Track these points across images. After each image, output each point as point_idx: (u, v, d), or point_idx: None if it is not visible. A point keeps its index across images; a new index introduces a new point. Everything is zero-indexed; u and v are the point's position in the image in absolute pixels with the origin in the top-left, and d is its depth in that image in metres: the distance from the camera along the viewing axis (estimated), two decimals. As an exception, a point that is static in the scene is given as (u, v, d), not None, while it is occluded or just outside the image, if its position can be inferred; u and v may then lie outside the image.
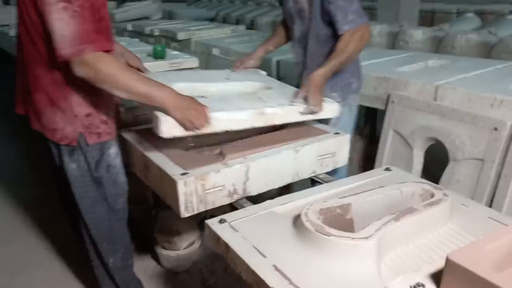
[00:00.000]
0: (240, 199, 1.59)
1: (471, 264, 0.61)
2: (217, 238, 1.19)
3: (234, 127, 1.57)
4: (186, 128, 1.45)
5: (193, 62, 2.87)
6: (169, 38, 4.57)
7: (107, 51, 1.34)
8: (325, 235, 1.02)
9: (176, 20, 6.02)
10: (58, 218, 2.71)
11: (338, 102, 1.88)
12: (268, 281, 0.97)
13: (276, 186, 1.68)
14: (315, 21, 1.88)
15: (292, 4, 1.96)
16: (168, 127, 1.44)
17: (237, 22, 6.62)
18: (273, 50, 2.23)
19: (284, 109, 1.68)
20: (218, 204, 1.54)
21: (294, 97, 1.73)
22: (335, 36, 1.83)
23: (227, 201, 1.56)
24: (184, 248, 2.18)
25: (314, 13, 1.86)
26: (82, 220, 1.65)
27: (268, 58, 3.30)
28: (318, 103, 1.68)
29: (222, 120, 1.53)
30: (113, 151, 1.60)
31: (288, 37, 2.17)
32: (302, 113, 1.70)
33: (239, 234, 1.17)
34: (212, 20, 7.16)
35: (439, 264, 0.76)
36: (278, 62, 3.24)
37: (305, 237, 1.07)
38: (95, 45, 1.30)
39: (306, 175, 1.75)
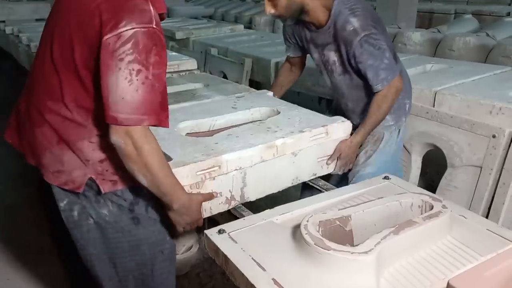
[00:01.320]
0: (238, 206, 1.59)
1: (473, 290, 0.62)
2: (216, 249, 1.19)
3: (244, 165, 1.53)
4: (177, 225, 1.38)
5: (192, 64, 2.86)
6: (167, 37, 4.55)
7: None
8: (324, 249, 1.02)
9: (174, 18, 6.00)
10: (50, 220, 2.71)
11: (391, 125, 1.91)
12: (268, 296, 0.97)
13: (275, 191, 1.68)
14: (348, 75, 1.86)
15: (318, 56, 1.91)
16: None
17: (236, 20, 6.61)
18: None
19: (294, 137, 1.64)
20: (216, 211, 1.54)
21: (330, 159, 1.77)
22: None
23: (224, 208, 1.56)
24: (182, 252, 2.18)
25: (348, 66, 1.82)
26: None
27: (266, 59, 3.30)
28: (346, 169, 1.82)
29: (232, 160, 1.50)
30: (142, 199, 1.35)
31: (291, 84, 2.23)
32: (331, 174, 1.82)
33: (238, 246, 1.16)
34: (210, 17, 7.14)
35: (439, 285, 0.76)
36: (276, 64, 3.24)
37: (305, 250, 1.07)
38: (156, 118, 1.15)
39: (306, 178, 1.75)
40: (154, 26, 1.13)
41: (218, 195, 1.51)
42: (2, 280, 2.24)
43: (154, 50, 1.12)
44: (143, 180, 1.20)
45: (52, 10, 1.30)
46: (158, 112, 1.15)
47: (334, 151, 1.75)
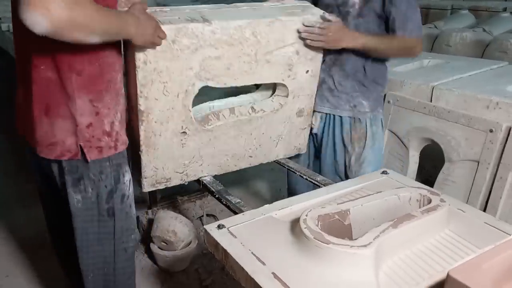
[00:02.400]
0: (237, 202, 1.60)
1: (472, 281, 0.62)
2: (215, 244, 1.19)
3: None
4: (148, 45, 1.38)
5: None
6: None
7: None
8: (323, 243, 1.03)
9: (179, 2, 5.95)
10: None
11: (366, 112, 1.91)
12: (268, 290, 0.98)
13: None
14: (366, 18, 1.78)
15: None
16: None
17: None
18: None
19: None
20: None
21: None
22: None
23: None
24: (180, 248, 2.18)
25: (368, 10, 1.77)
26: (78, 261, 1.39)
27: None
28: (321, 38, 1.68)
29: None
30: (127, 177, 1.39)
31: None
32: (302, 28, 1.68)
33: (238, 240, 1.17)
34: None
35: (438, 277, 0.76)
36: None
37: (304, 244, 1.08)
38: None
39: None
40: None
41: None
42: (1, 277, 2.24)
43: None
44: (93, 38, 1.11)
45: None
46: None
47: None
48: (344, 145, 1.97)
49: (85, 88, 1.23)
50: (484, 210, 1.92)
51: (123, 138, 1.38)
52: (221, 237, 1.19)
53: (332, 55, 1.88)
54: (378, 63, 1.90)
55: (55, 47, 1.15)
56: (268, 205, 1.36)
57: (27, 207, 2.83)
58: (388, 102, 2.33)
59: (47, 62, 1.20)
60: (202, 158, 1.77)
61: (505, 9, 5.60)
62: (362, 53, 1.83)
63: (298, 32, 1.69)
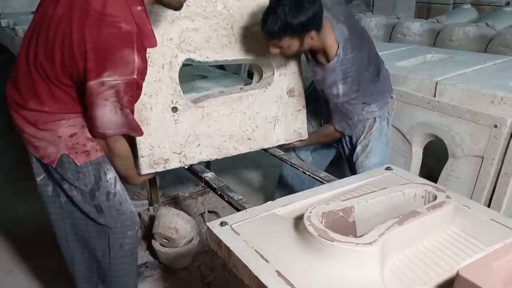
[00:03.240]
0: (240, 198, 1.59)
1: (482, 280, 0.61)
2: (218, 242, 1.18)
3: None
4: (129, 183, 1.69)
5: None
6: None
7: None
8: (328, 240, 1.01)
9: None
10: (47, 214, 2.69)
11: (375, 111, 2.00)
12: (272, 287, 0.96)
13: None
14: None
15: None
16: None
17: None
18: None
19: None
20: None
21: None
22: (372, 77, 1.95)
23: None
24: (182, 245, 2.17)
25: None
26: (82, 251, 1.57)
27: None
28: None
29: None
30: (111, 175, 1.52)
31: None
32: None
33: (241, 238, 1.15)
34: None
35: (446, 276, 0.75)
36: None
37: (308, 241, 1.06)
38: (129, 130, 1.44)
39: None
40: (135, 77, 1.33)
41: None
42: (3, 274, 2.23)
43: (130, 93, 1.36)
44: (117, 166, 1.51)
45: (44, 4, 1.41)
46: (131, 126, 1.44)
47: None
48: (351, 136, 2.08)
49: (76, 114, 1.45)
50: (488, 206, 1.90)
51: None
52: (224, 235, 1.18)
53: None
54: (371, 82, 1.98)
55: (62, 95, 1.40)
56: (271, 202, 1.35)
57: (27, 202, 2.82)
58: (391, 97, 2.31)
59: (50, 103, 1.42)
60: (199, 138, 1.79)
61: (508, 4, 5.57)
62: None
63: None
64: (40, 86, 1.39)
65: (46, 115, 1.42)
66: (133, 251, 1.55)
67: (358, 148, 2.03)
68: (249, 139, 1.92)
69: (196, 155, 1.81)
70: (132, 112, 1.42)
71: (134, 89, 1.36)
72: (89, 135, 1.45)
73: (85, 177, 1.45)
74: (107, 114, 1.34)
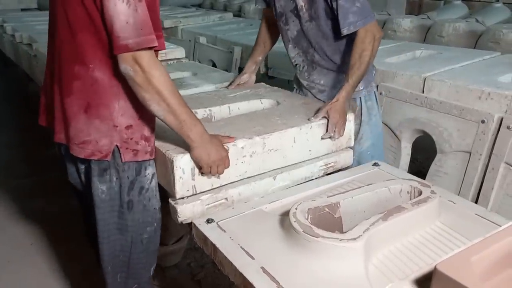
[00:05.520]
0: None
1: (459, 275, 0.61)
2: (204, 239, 1.18)
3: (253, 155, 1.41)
4: (203, 171, 1.29)
5: (180, 52, 2.81)
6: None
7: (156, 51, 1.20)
8: (313, 236, 1.02)
9: (162, 7, 5.92)
10: (47, 212, 2.69)
11: (360, 90, 1.84)
12: (256, 284, 0.97)
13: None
14: (317, 20, 1.73)
15: (284, 2, 1.80)
16: (184, 187, 1.31)
17: (225, 8, 6.54)
18: (262, 60, 2.09)
19: (303, 128, 1.49)
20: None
21: (314, 117, 1.55)
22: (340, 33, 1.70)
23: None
24: (172, 243, 2.16)
25: (315, 12, 1.72)
26: (98, 248, 1.40)
27: None
28: (338, 130, 1.54)
29: (242, 148, 1.36)
30: (150, 171, 1.35)
31: (274, 40, 2.04)
32: (323, 138, 1.54)
33: (227, 235, 1.16)
34: (199, 6, 7.06)
35: (426, 270, 0.75)
36: None
37: (293, 237, 1.07)
38: (154, 41, 1.14)
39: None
40: None
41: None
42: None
43: None
44: (157, 108, 1.17)
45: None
46: (153, 33, 1.14)
47: (318, 111, 1.56)
48: None
49: (131, 89, 1.19)
50: (476, 201, 1.92)
51: (154, 144, 1.35)
52: (210, 232, 1.18)
53: (308, 59, 1.87)
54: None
55: (112, 54, 1.16)
56: (258, 198, 1.35)
57: (20, 201, 2.80)
58: (380, 93, 2.32)
59: (98, 62, 1.20)
60: None
61: (497, 0, 5.60)
62: (334, 50, 1.80)
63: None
64: (82, 44, 1.20)
65: (98, 87, 1.21)
66: (152, 245, 1.45)
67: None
68: None
69: None
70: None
71: None
72: (145, 132, 1.29)
73: (129, 169, 1.30)
74: (120, 7, 1.10)
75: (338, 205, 1.18)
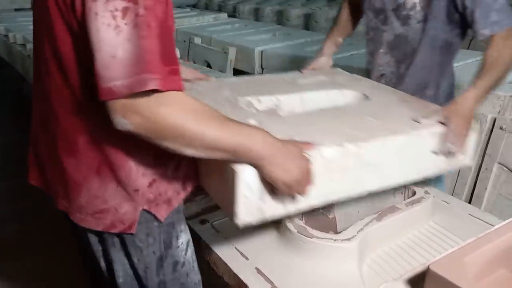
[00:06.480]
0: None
1: (452, 275, 0.62)
2: (198, 239, 1.17)
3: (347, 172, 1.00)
4: (280, 192, 0.91)
5: (174, 53, 2.81)
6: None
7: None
8: (307, 237, 1.02)
9: (157, 8, 5.90)
10: (34, 214, 2.67)
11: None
12: (251, 285, 0.97)
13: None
14: (434, 21, 1.43)
15: None
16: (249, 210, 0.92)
17: (220, 8, 6.53)
18: (342, 42, 1.72)
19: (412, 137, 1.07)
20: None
21: (424, 116, 1.14)
22: (454, 43, 1.49)
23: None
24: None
25: (434, 10, 1.42)
26: None
27: (250, 48, 3.26)
28: (461, 143, 1.13)
29: (330, 160, 0.95)
30: (184, 239, 1.01)
31: (356, 23, 1.73)
32: (436, 153, 1.11)
33: (221, 235, 1.16)
34: (194, 6, 7.05)
35: (419, 270, 0.76)
36: (261, 52, 3.20)
37: (288, 238, 1.07)
38: (162, 80, 0.73)
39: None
40: None
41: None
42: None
43: None
44: (192, 151, 0.81)
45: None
46: (163, 67, 0.74)
47: (431, 113, 1.16)
48: None
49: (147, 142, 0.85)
50: (470, 201, 1.93)
51: (192, 173, 1.01)
52: (204, 232, 1.18)
53: (400, 71, 1.56)
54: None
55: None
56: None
57: (8, 205, 2.78)
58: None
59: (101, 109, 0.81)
60: None
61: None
62: (432, 63, 1.51)
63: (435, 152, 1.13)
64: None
65: (114, 136, 0.85)
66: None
67: None
68: None
69: None
70: (160, 34, 0.75)
71: None
72: (169, 172, 0.94)
73: (155, 242, 0.97)
74: (104, 34, 0.72)
75: (332, 205, 1.19)
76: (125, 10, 0.72)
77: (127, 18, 0.72)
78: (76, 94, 0.86)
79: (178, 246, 1.00)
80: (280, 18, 4.99)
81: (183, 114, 0.77)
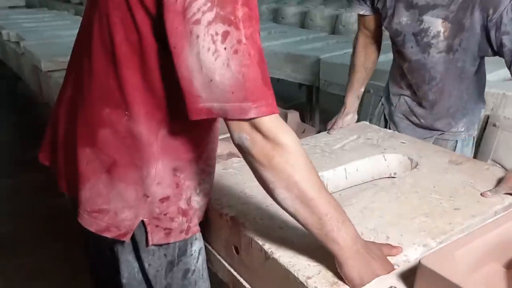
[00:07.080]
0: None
1: (443, 268, 0.62)
2: (193, 236, 1.18)
3: None
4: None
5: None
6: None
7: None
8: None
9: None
10: (29, 213, 2.67)
11: (460, 131, 1.51)
12: (245, 282, 0.97)
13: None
14: (462, 53, 1.36)
15: (407, 19, 1.39)
16: None
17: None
18: (364, 91, 1.62)
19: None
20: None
21: (493, 191, 1.04)
22: (478, 71, 1.44)
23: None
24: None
25: (463, 43, 1.33)
26: None
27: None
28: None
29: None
30: (197, 247, 1.00)
31: (375, 59, 1.61)
32: None
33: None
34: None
35: (411, 264, 0.77)
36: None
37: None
38: (264, 105, 0.73)
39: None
40: None
41: None
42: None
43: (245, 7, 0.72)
44: (284, 195, 0.77)
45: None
46: (264, 94, 0.73)
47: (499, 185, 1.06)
48: None
49: (172, 151, 0.88)
50: (463, 198, 1.94)
51: (199, 215, 0.99)
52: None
53: (419, 95, 1.50)
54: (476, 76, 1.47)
55: (151, 87, 0.83)
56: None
57: (4, 203, 2.77)
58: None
59: (137, 109, 0.84)
60: None
61: None
62: (459, 90, 1.46)
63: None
64: (121, 83, 0.84)
65: (133, 141, 0.86)
66: None
67: None
68: None
69: None
70: (259, 62, 0.74)
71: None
72: (182, 203, 0.92)
73: (168, 247, 0.95)
74: (204, 58, 0.71)
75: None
76: (225, 34, 0.71)
77: (226, 43, 0.71)
78: (117, 102, 0.85)
79: (192, 254, 0.99)
80: (276, 16, 5.00)
81: (303, 161, 0.76)
